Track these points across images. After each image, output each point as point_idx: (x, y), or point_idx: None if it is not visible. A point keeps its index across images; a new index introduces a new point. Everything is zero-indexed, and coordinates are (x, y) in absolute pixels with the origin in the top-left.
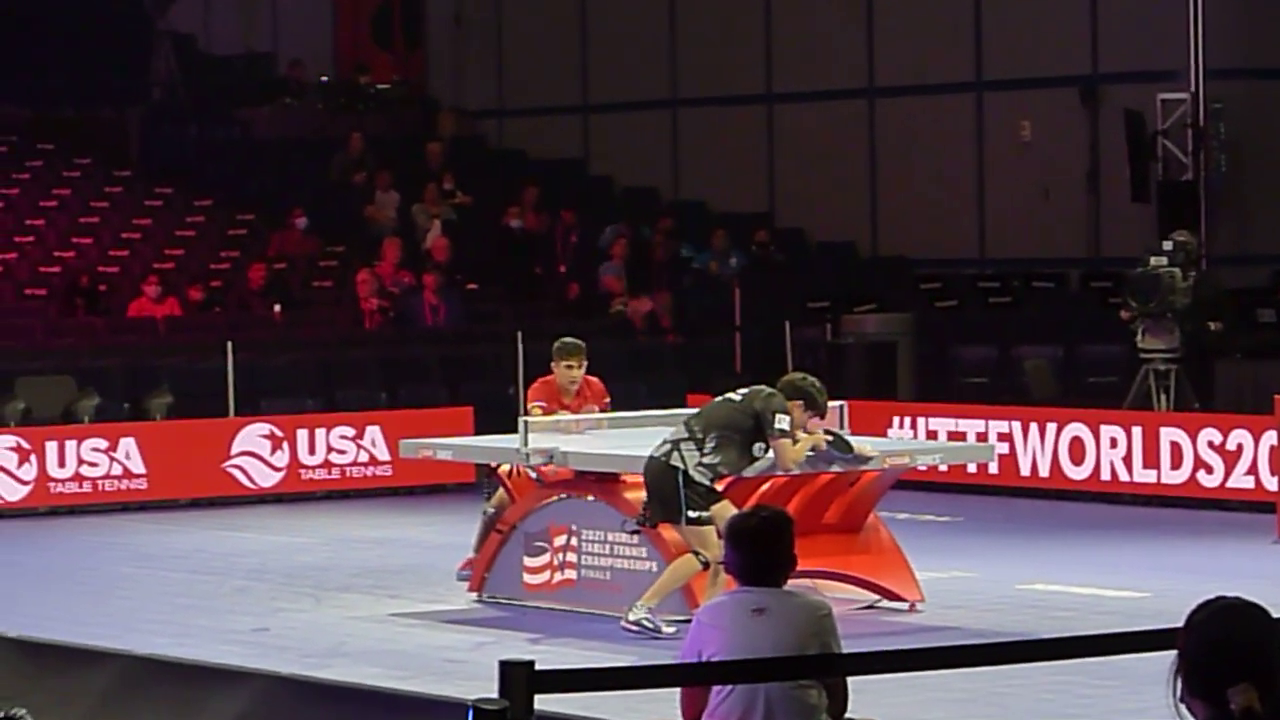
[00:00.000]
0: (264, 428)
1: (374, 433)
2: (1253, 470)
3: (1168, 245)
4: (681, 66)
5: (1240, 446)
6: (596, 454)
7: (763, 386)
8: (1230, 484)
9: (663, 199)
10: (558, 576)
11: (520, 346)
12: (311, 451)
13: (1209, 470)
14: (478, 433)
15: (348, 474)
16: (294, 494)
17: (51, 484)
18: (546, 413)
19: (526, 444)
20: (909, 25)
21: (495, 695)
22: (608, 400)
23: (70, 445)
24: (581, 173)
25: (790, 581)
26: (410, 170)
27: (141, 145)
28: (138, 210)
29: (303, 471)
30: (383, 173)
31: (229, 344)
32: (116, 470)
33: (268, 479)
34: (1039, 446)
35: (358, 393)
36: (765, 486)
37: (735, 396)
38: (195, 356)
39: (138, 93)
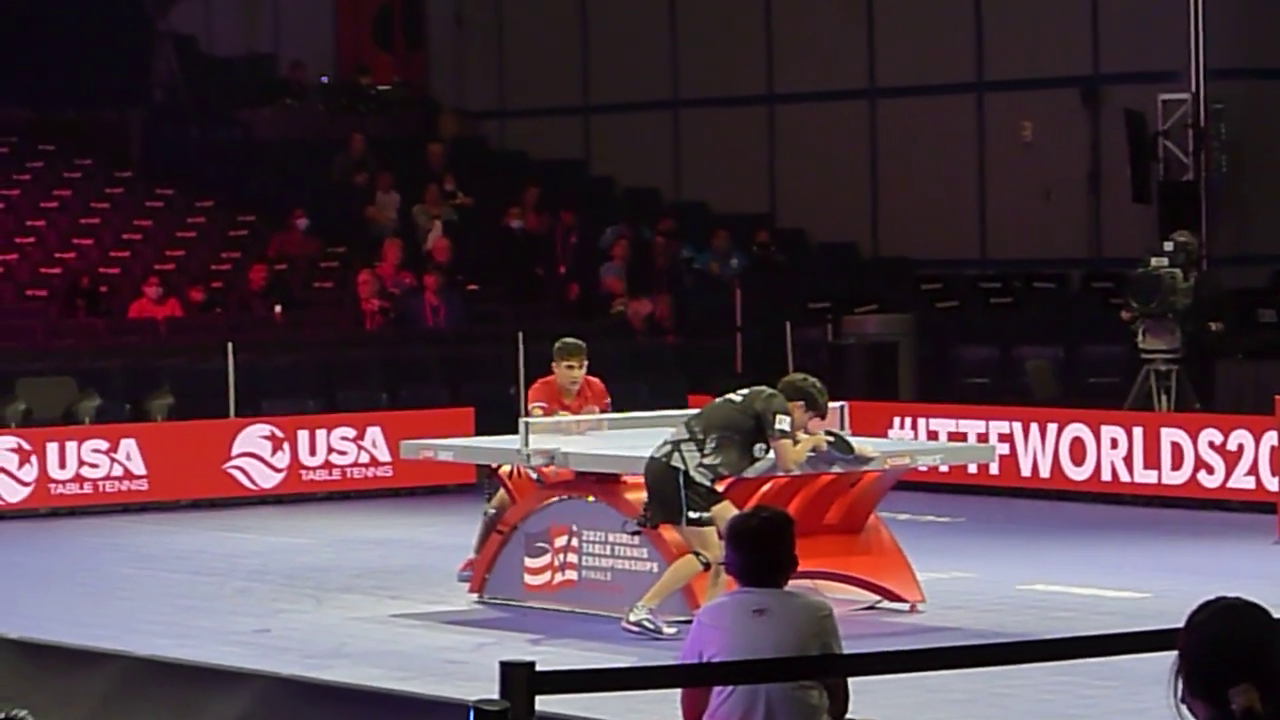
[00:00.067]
0: (265, 429)
1: (375, 433)
2: (1253, 471)
3: (1168, 246)
4: (682, 67)
5: (1241, 447)
6: (597, 455)
7: (763, 387)
8: (1231, 484)
9: (664, 200)
10: (558, 577)
11: (521, 347)
12: (312, 452)
13: (1210, 471)
14: (478, 433)
15: (348, 475)
16: (295, 495)
17: (52, 485)
18: (547, 413)
19: (527, 445)
20: (910, 26)
21: (496, 696)
22: (608, 401)
23: (71, 446)
24: (582, 173)
25: (791, 582)
26: (411, 171)
27: (142, 146)
28: (139, 211)
29: (304, 472)
30: (384, 174)
31: (230, 345)
32: (117, 471)
33: (269, 480)
34: (1040, 447)
35: (358, 393)
36: (766, 487)
37: (736, 397)
38: (196, 357)
39: (139, 94)
